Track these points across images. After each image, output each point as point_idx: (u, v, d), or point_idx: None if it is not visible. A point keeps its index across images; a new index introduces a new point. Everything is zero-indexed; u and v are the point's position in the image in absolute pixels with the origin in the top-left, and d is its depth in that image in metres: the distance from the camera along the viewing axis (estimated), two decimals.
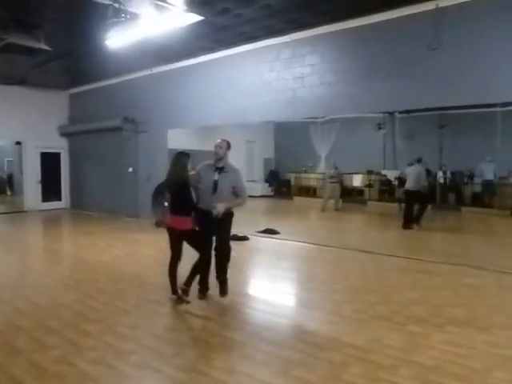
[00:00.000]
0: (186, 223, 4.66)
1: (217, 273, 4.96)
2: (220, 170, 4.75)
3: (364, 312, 4.52)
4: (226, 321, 4.37)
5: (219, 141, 4.79)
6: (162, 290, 5.33)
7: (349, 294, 5.19)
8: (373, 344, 3.72)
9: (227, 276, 5.00)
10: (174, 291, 4.79)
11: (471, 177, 14.29)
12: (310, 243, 8.20)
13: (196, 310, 4.61)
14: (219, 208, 4.56)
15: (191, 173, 4.73)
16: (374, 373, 3.21)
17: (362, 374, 3.19)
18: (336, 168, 13.90)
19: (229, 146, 4.81)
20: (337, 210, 13.73)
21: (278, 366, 3.37)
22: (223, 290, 4.96)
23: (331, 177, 13.71)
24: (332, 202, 13.85)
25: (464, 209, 13.49)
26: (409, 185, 9.95)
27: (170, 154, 11.70)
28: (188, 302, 4.70)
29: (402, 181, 13.26)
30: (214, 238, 4.86)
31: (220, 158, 4.76)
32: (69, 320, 4.37)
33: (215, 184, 4.71)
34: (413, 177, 9.86)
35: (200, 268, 4.79)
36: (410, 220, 9.81)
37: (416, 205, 9.86)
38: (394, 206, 13.82)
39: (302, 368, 3.31)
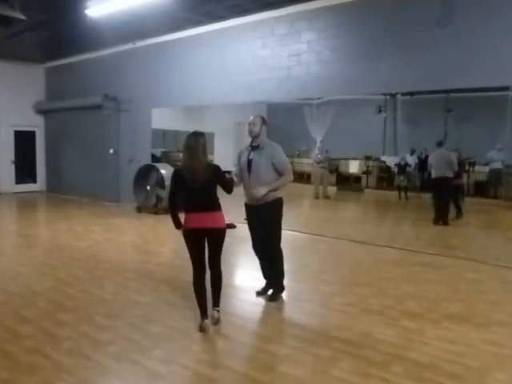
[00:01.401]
0: (222, 219, 4.02)
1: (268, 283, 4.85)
2: (255, 148, 4.55)
3: (355, 305, 4.58)
4: (209, 313, 4.40)
5: (252, 117, 4.56)
6: (142, 278, 5.37)
7: (340, 286, 5.26)
8: (364, 339, 3.79)
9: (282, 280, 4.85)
10: (204, 313, 3.97)
11: (473, 165, 14.38)
12: (302, 232, 8.26)
13: (178, 301, 4.65)
14: (260, 191, 4.36)
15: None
16: (365, 369, 3.27)
17: (352, 370, 3.25)
18: (326, 152, 13.93)
19: (264, 122, 4.58)
20: (326, 197, 13.77)
21: (263, 361, 3.43)
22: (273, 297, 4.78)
23: (320, 161, 13.71)
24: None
25: (466, 199, 13.61)
26: (436, 171, 9.25)
27: (154, 134, 11.77)
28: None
29: (401, 167, 13.36)
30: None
31: (256, 136, 4.54)
32: (43, 308, 4.40)
33: (249, 163, 4.50)
34: (441, 162, 9.17)
35: (219, 281, 4.16)
36: (444, 213, 9.29)
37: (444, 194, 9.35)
38: (393, 195, 13.92)
39: (289, 363, 3.36)
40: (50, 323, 4.03)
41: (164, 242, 7.99)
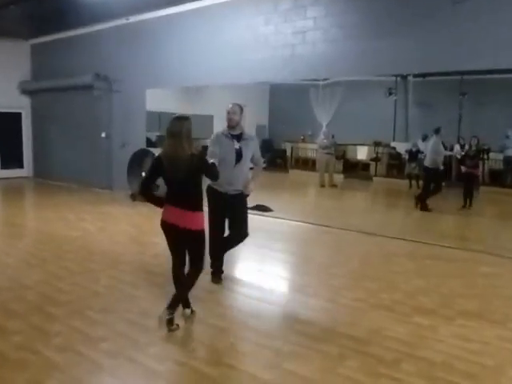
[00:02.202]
0: (198, 221, 3.85)
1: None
2: (238, 137, 4.81)
3: (364, 300, 4.60)
4: (210, 307, 4.43)
5: (231, 106, 4.81)
6: (137, 271, 5.38)
7: (348, 279, 5.27)
8: (373, 336, 3.80)
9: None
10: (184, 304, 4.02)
11: (488, 152, 14.33)
12: (307, 223, 8.26)
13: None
14: (251, 186, 4.85)
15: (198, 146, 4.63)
16: (374, 367, 3.29)
17: (360, 369, 3.26)
18: (332, 137, 13.89)
19: (242, 110, 4.87)
20: (333, 185, 13.75)
21: (267, 358, 3.44)
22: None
23: (325, 147, 13.68)
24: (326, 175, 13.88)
25: (482, 188, 13.60)
26: (426, 161, 10.03)
27: (149, 117, 11.72)
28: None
29: (413, 154, 13.32)
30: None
31: (236, 125, 4.80)
32: (33, 303, 4.41)
33: (238, 153, 4.76)
34: (428, 151, 9.91)
35: (190, 284, 3.99)
36: (424, 200, 9.80)
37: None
38: (403, 183, 13.90)
39: (294, 360, 3.38)
40: (39, 318, 4.05)
41: (160, 231, 7.94)
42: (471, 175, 10.15)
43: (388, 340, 3.72)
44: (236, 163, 4.76)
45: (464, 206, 9.93)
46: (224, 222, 4.92)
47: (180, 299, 3.89)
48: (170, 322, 3.73)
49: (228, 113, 4.79)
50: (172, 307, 3.76)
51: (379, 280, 5.26)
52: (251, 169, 5.10)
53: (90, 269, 5.49)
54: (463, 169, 10.23)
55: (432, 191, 9.93)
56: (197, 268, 3.94)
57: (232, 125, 4.80)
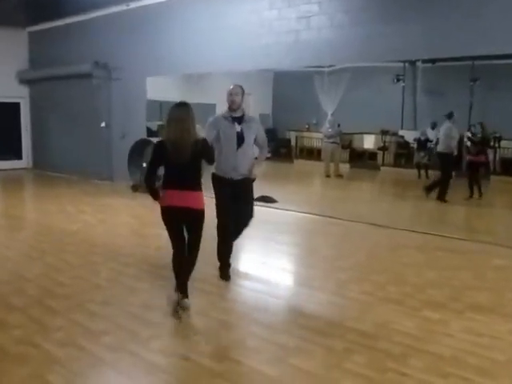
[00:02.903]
0: (201, 200, 4.04)
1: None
2: (239, 120, 4.74)
3: (372, 294, 4.60)
4: (214, 300, 4.44)
5: (232, 86, 4.75)
6: (139, 263, 5.40)
7: (355, 272, 5.27)
8: (380, 330, 3.80)
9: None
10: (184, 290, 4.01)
11: (499, 140, 14.23)
12: (313, 214, 8.26)
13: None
14: (256, 170, 4.78)
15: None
16: (381, 362, 3.29)
17: (367, 364, 3.26)
18: (338, 125, 13.84)
19: (243, 91, 4.80)
20: (338, 175, 13.71)
21: (272, 353, 3.45)
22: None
23: (330, 136, 13.63)
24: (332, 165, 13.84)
25: (493, 178, 13.52)
26: (439, 146, 9.95)
27: (149, 106, 11.69)
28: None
29: (421, 143, 13.25)
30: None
31: (238, 107, 4.73)
32: (33, 296, 4.43)
33: (239, 136, 4.69)
34: (441, 136, 9.84)
35: (191, 269, 4.15)
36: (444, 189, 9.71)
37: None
38: (411, 173, 13.84)
39: (299, 355, 3.38)
40: (40, 312, 4.07)
41: (162, 223, 7.98)
42: (476, 163, 10.04)
43: (396, 334, 3.71)
44: (238, 147, 4.69)
45: (471, 196, 9.84)
46: (231, 209, 4.80)
47: (186, 282, 4.02)
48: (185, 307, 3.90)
49: (230, 94, 4.71)
50: (184, 291, 3.93)
51: (387, 273, 5.26)
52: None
53: (90, 261, 5.51)
54: (467, 157, 10.14)
55: (442, 180, 9.84)
56: (194, 255, 4.12)
57: (234, 107, 4.71)
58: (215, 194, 4.81)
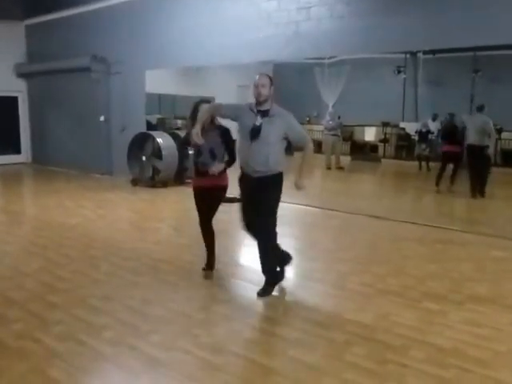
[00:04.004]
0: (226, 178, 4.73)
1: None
2: (263, 113, 4.25)
3: (372, 286, 4.61)
4: (213, 293, 4.47)
5: (258, 77, 4.26)
6: (139, 258, 5.42)
7: (356, 264, 5.29)
8: (381, 322, 3.82)
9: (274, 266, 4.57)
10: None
11: (500, 131, 14.21)
12: (313, 206, 8.27)
13: (179, 281, 4.69)
14: (301, 179, 4.36)
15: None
16: (381, 354, 3.31)
17: (368, 355, 3.28)
18: (338, 118, 13.84)
19: (272, 82, 4.31)
20: (339, 168, 13.72)
21: (271, 345, 3.48)
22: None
23: (331, 129, 13.63)
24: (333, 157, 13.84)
25: (495, 169, 13.50)
26: (472, 138, 9.51)
27: (149, 99, 11.67)
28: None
29: (423, 135, 13.24)
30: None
31: (265, 100, 4.25)
32: (33, 291, 4.45)
33: (255, 130, 4.21)
34: (476, 128, 9.45)
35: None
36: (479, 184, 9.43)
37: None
38: (412, 165, 13.84)
39: (299, 347, 3.40)
40: (39, 306, 4.09)
41: (162, 217, 8.04)
42: (450, 153, 9.89)
43: (396, 326, 3.73)
44: (252, 140, 4.24)
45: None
46: (249, 208, 4.42)
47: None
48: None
49: (256, 86, 4.20)
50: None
51: (388, 265, 5.28)
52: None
53: (90, 256, 5.53)
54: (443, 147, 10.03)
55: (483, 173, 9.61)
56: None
57: (260, 99, 4.22)
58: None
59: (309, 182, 4.56)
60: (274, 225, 4.36)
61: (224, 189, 4.72)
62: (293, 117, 4.42)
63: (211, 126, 4.56)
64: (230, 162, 4.64)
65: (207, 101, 4.21)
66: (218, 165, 4.52)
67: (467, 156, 9.80)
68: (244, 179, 4.42)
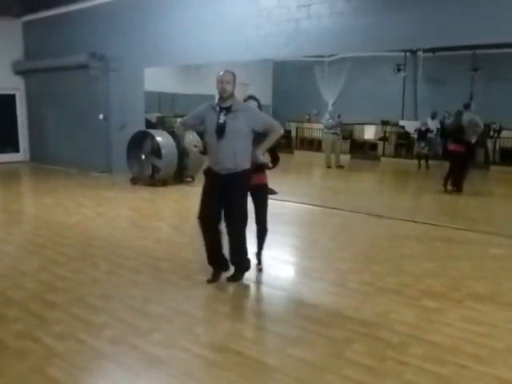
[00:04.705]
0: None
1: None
2: (227, 110, 4.33)
3: (372, 284, 4.64)
4: (212, 291, 4.48)
5: (222, 73, 4.35)
6: (139, 256, 5.43)
7: (355, 263, 5.31)
8: (380, 319, 3.85)
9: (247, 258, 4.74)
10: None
11: (499, 130, 14.25)
12: (313, 205, 8.28)
13: (179, 280, 4.71)
14: (258, 153, 4.44)
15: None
16: (381, 351, 3.34)
17: (367, 353, 3.31)
18: (338, 116, 13.87)
19: (235, 78, 4.41)
20: (339, 166, 13.75)
21: (272, 343, 3.50)
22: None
23: (331, 127, 13.66)
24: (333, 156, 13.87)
25: (493, 168, 13.54)
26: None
27: (148, 97, 11.67)
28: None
29: (422, 133, 13.27)
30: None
31: (229, 96, 4.33)
32: (32, 290, 4.46)
33: (220, 128, 4.29)
34: (464, 125, 9.55)
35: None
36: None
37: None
38: (412, 163, 13.86)
39: (299, 345, 3.42)
40: (39, 305, 4.10)
41: (162, 216, 8.06)
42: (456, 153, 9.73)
43: (395, 324, 3.76)
44: (218, 139, 4.31)
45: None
46: (212, 203, 4.47)
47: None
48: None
49: (221, 82, 4.30)
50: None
51: (387, 263, 5.30)
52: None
53: (89, 255, 5.54)
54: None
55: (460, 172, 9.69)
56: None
57: (225, 96, 4.32)
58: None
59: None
60: (246, 217, 4.55)
61: (264, 186, 4.84)
62: (256, 108, 4.57)
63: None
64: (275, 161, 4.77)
65: (254, 97, 4.39)
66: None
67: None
68: (211, 176, 4.51)
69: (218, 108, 4.38)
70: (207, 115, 4.44)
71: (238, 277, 4.67)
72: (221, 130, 4.31)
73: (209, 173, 4.53)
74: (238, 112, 4.35)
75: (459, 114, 9.67)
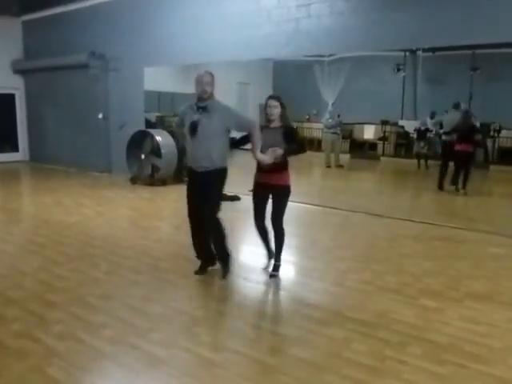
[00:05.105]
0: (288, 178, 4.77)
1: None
2: (202, 109, 4.46)
3: (371, 283, 4.65)
4: (212, 291, 4.50)
5: (203, 74, 4.46)
6: (138, 256, 5.44)
7: (355, 262, 5.32)
8: (379, 319, 3.86)
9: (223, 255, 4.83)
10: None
11: (499, 130, 14.26)
12: (313, 204, 8.30)
13: (179, 279, 4.72)
14: (259, 156, 4.46)
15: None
16: (380, 350, 3.34)
17: (366, 352, 3.32)
18: (338, 116, 13.88)
19: (214, 80, 4.54)
20: (339, 166, 13.77)
21: (272, 343, 3.50)
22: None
23: (331, 127, 13.68)
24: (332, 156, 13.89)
25: (492, 167, 13.56)
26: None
27: (148, 97, 11.67)
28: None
29: (421, 133, 13.28)
30: None
31: (209, 97, 4.47)
32: (31, 289, 4.46)
33: (193, 126, 4.44)
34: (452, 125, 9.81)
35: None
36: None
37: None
38: (411, 163, 13.88)
39: (299, 345, 3.43)
40: (38, 305, 4.10)
41: (162, 216, 8.06)
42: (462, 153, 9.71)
43: (394, 323, 3.77)
44: (192, 136, 4.47)
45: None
46: (194, 198, 4.65)
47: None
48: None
49: (201, 83, 4.41)
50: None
51: (386, 262, 5.31)
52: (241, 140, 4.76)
53: (89, 254, 5.54)
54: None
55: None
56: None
57: (205, 97, 4.44)
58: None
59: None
60: (217, 213, 4.65)
61: (284, 188, 4.69)
62: (231, 108, 4.64)
63: (274, 124, 4.66)
64: (296, 150, 4.66)
65: (276, 97, 4.59)
66: (270, 153, 4.46)
67: (441, 151, 10.36)
68: (190, 174, 4.70)
69: (195, 107, 4.52)
70: (186, 115, 4.61)
71: (225, 270, 4.77)
72: (194, 128, 4.46)
73: (189, 171, 4.72)
74: (213, 111, 4.46)
75: (467, 115, 9.69)
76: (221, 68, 13.52)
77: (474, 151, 9.82)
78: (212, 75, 4.54)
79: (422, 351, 3.33)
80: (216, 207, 4.62)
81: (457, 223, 7.03)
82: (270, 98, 4.66)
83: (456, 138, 9.55)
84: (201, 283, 4.63)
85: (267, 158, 4.45)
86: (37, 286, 4.55)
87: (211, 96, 4.50)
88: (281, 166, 4.59)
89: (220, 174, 4.57)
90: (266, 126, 4.64)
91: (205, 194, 4.54)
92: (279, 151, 4.43)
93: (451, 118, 9.98)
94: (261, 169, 4.63)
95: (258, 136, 4.50)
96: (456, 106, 9.96)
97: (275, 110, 4.61)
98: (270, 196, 4.73)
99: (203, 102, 4.48)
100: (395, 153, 15.92)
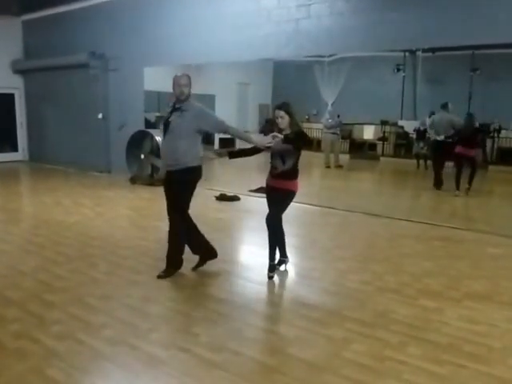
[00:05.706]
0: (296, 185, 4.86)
1: None
2: (177, 109, 4.60)
3: (370, 283, 4.65)
4: (212, 291, 4.49)
5: (180, 76, 4.56)
6: (138, 256, 5.43)
7: (354, 262, 5.32)
8: (379, 319, 3.85)
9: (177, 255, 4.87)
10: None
11: (499, 130, 14.29)
12: (312, 205, 8.28)
13: (177, 279, 4.72)
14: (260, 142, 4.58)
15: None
16: (379, 350, 3.34)
17: (366, 352, 3.32)
18: (338, 116, 13.90)
19: (191, 82, 4.64)
20: (338, 166, 13.79)
21: (271, 343, 3.50)
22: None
23: (330, 127, 13.70)
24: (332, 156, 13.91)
25: (491, 167, 13.58)
26: (437, 135, 9.94)
27: (147, 97, 11.68)
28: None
29: (421, 133, 13.29)
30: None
31: (186, 99, 4.58)
32: (30, 290, 4.45)
33: (165, 125, 4.61)
34: (441, 125, 9.82)
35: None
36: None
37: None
38: (411, 163, 13.90)
39: (298, 345, 3.43)
40: (37, 305, 4.10)
41: (161, 216, 7.96)
42: (462, 156, 9.62)
43: (394, 323, 3.77)
44: (164, 135, 4.66)
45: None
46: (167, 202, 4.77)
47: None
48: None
49: (179, 86, 4.51)
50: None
51: (386, 262, 5.31)
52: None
53: (88, 254, 5.54)
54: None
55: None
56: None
57: (182, 98, 4.55)
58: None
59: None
60: (181, 213, 4.70)
61: (288, 192, 4.77)
62: (204, 108, 4.68)
63: (285, 132, 4.65)
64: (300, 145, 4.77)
65: (282, 106, 4.62)
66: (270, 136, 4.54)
67: (432, 151, 10.50)
68: (165, 172, 4.78)
69: (171, 108, 4.67)
70: (165, 115, 4.76)
71: (168, 272, 4.79)
72: (165, 127, 4.62)
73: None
74: (186, 111, 4.54)
75: (470, 118, 9.68)
76: (221, 68, 13.61)
77: (475, 154, 9.82)
78: (189, 77, 4.62)
79: (421, 351, 3.33)
80: (180, 206, 4.68)
81: (456, 223, 7.04)
82: (276, 108, 4.68)
83: (457, 140, 9.54)
84: (200, 284, 4.62)
85: (266, 140, 4.52)
86: (36, 287, 4.54)
87: (188, 97, 4.59)
88: (289, 175, 4.69)
89: (187, 173, 4.58)
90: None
91: (171, 193, 4.68)
92: (279, 136, 4.50)
93: (439, 118, 9.99)
94: (271, 173, 4.75)
95: (236, 130, 4.80)
96: (444, 107, 9.97)
97: (282, 120, 4.63)
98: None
99: (180, 103, 4.60)
100: (395, 153, 15.95)
